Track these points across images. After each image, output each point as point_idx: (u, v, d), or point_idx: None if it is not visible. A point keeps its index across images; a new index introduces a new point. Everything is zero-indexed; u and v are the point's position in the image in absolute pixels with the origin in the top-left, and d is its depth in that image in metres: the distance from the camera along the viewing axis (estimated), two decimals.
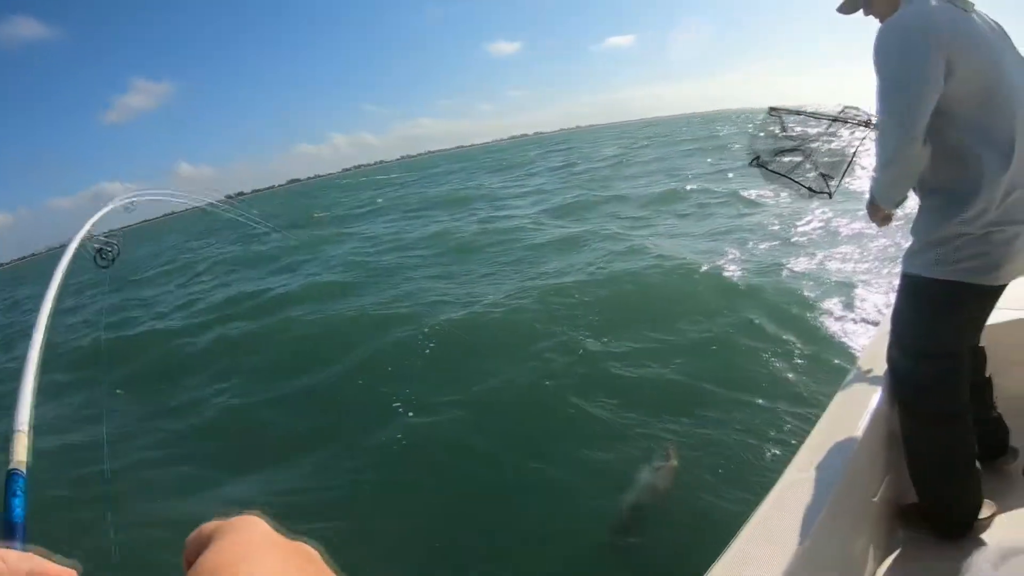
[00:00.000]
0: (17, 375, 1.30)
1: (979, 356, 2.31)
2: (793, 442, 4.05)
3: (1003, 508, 2.18)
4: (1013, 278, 1.93)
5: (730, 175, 18.09)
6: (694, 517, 3.73)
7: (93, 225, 2.35)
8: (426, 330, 7.21)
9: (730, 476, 4.05)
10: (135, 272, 22.65)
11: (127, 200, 2.75)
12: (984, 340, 2.29)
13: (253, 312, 10.76)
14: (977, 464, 2.12)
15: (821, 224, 10.34)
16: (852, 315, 6.27)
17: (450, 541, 3.76)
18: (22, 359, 1.38)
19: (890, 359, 2.23)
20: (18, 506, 0.91)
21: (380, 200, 33.99)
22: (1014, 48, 1.92)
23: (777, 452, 4.12)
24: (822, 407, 2.27)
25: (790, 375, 5.24)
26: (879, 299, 6.49)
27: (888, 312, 2.32)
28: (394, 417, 5.35)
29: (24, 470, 1.00)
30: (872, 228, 3.10)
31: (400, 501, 4.23)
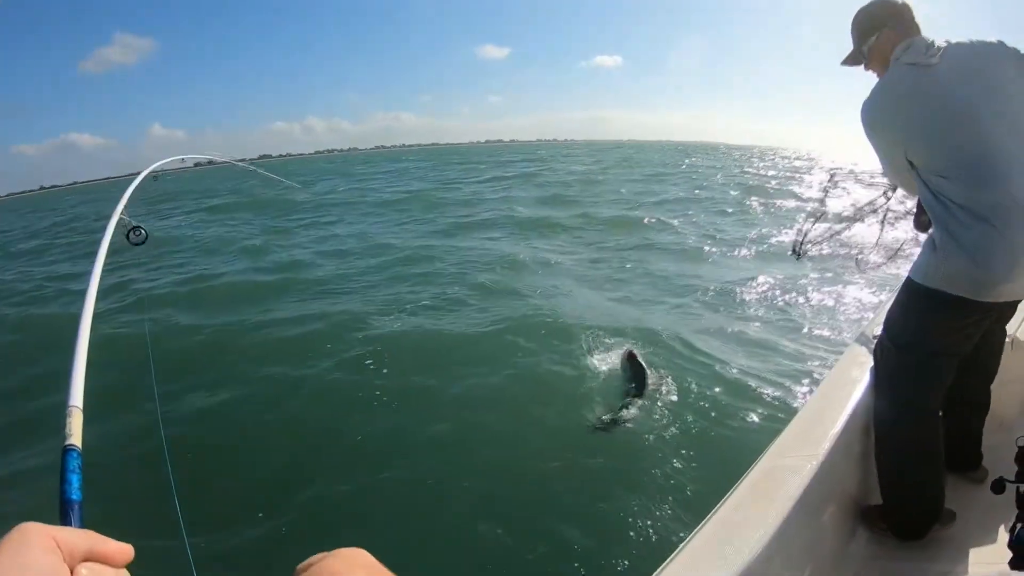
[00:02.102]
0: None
1: (986, 374, 2.42)
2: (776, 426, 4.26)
3: (962, 519, 2.24)
4: (1004, 297, 2.01)
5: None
6: (674, 494, 3.92)
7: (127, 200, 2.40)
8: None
9: (709, 455, 4.33)
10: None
11: (162, 165, 2.82)
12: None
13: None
14: (942, 471, 2.22)
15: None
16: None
17: None
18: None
19: (876, 347, 2.35)
20: (75, 484, 0.87)
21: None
22: (1008, 60, 2.03)
23: (760, 436, 4.33)
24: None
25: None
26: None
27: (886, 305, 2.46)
28: None
29: (80, 447, 0.96)
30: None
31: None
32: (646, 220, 15.60)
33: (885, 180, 2.76)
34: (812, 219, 3.10)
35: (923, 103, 2.04)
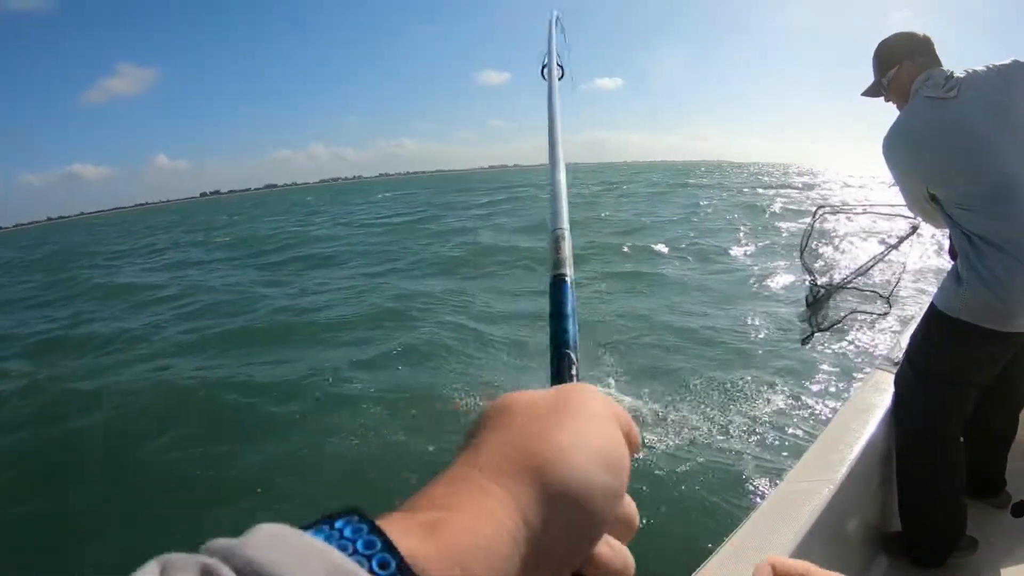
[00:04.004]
0: None
1: (1011, 404, 2.42)
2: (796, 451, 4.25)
3: (985, 547, 2.23)
4: (1021, 329, 2.01)
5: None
6: (696, 513, 3.89)
7: None
8: None
9: (731, 480, 4.27)
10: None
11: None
12: None
13: None
14: (962, 497, 2.21)
15: None
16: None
17: None
18: None
19: (897, 374, 2.36)
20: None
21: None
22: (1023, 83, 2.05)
23: (781, 459, 4.33)
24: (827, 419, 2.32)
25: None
26: None
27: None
28: None
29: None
30: None
31: None
32: (625, 248, 14.91)
33: (883, 207, 2.77)
34: (813, 283, 3.00)
35: (943, 137, 2.07)
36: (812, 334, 3.01)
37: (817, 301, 2.95)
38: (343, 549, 0.25)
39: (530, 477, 0.32)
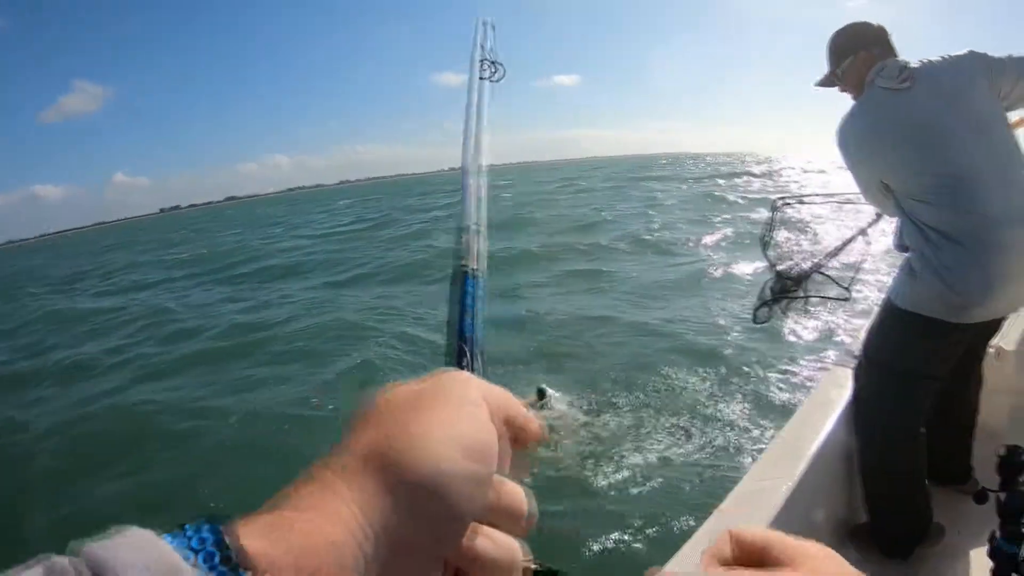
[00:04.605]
0: None
1: (970, 393, 2.43)
2: (756, 450, 4.23)
3: (953, 533, 2.24)
4: (979, 319, 2.03)
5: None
6: (651, 517, 3.79)
7: None
8: None
9: (690, 480, 4.19)
10: None
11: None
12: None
13: None
14: (926, 487, 2.22)
15: None
16: None
17: None
18: None
19: (856, 368, 2.37)
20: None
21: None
22: (979, 72, 2.05)
23: (741, 459, 4.29)
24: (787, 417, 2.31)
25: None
26: None
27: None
28: None
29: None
30: None
31: None
32: (581, 246, 14.75)
33: (840, 197, 2.76)
34: (777, 274, 2.98)
35: (897, 128, 2.08)
36: (763, 306, 2.98)
37: (783, 291, 2.92)
38: (180, 546, 0.25)
39: (377, 469, 0.31)
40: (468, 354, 0.48)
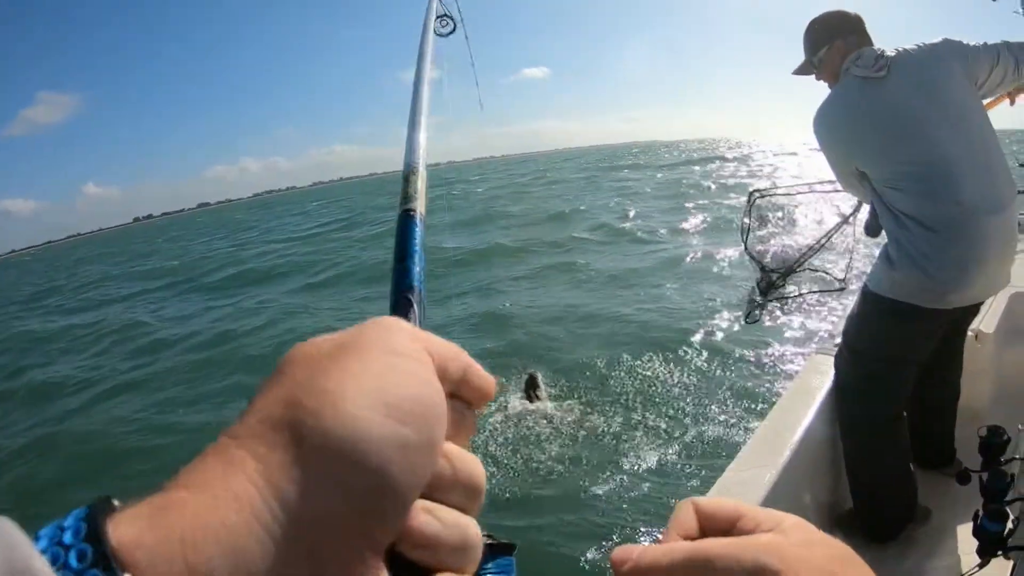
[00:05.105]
0: None
1: (950, 376, 2.45)
2: (740, 440, 4.24)
3: (939, 515, 2.26)
4: (955, 304, 2.05)
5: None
6: (633, 511, 3.80)
7: None
8: None
9: (674, 471, 4.20)
10: None
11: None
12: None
13: None
14: (911, 469, 2.23)
15: None
16: None
17: None
18: None
19: (836, 356, 2.37)
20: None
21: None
22: (954, 61, 2.07)
23: (725, 449, 4.31)
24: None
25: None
26: None
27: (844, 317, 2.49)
28: None
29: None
30: None
31: None
32: (555, 238, 14.71)
33: (818, 185, 2.77)
34: (762, 269, 2.97)
35: (872, 117, 2.09)
36: (756, 307, 2.98)
37: (771, 286, 2.93)
38: (52, 541, 0.22)
39: (284, 436, 0.26)
40: (415, 306, 0.43)
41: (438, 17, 0.97)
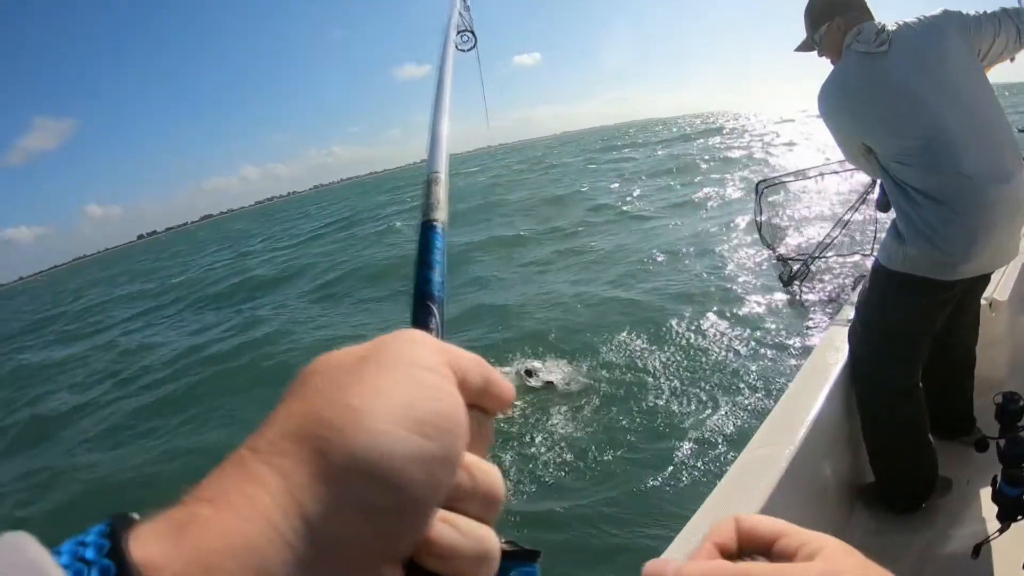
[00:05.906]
0: None
1: (964, 346, 2.46)
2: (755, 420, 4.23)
3: (960, 485, 2.27)
4: (966, 275, 2.06)
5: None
6: (658, 491, 3.81)
7: None
8: None
9: (696, 450, 4.20)
10: None
11: None
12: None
13: None
14: (930, 440, 2.24)
15: None
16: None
17: None
18: None
19: (850, 330, 2.39)
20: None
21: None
22: (955, 32, 2.05)
23: (745, 426, 4.30)
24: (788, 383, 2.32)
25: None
26: None
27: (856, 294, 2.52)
28: None
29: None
30: None
31: None
32: (560, 223, 14.56)
33: (824, 170, 2.78)
34: (780, 258, 2.98)
35: (874, 93, 2.09)
36: (792, 278, 3.00)
37: (795, 275, 2.96)
38: (73, 557, 0.21)
39: (307, 451, 0.26)
40: (436, 316, 0.43)
41: (459, 32, 0.97)
